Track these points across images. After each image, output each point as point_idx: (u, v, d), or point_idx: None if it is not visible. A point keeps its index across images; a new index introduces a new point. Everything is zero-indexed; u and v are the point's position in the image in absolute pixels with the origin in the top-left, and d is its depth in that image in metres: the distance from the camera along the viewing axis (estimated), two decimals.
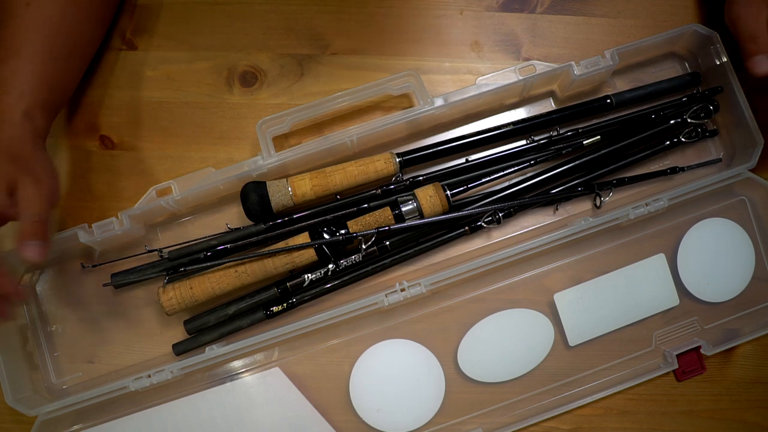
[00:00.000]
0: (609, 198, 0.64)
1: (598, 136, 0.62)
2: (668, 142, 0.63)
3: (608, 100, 0.64)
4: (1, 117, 0.53)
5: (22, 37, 0.55)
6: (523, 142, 0.64)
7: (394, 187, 0.61)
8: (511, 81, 0.60)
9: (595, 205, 0.64)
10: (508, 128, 0.63)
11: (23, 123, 0.53)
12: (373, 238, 0.58)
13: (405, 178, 0.61)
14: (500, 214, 0.61)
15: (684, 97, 0.64)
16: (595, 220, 0.59)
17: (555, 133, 0.63)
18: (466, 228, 0.61)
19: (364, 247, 0.58)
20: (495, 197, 0.61)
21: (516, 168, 0.62)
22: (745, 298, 0.64)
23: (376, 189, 0.60)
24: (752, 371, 0.64)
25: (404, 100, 0.66)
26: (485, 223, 0.61)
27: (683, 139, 0.64)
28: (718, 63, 0.62)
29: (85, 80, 0.65)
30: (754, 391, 0.63)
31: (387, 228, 0.58)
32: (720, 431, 0.63)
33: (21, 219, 0.51)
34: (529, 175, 0.63)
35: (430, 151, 0.62)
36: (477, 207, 0.61)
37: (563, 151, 0.62)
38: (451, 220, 0.60)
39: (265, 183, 0.59)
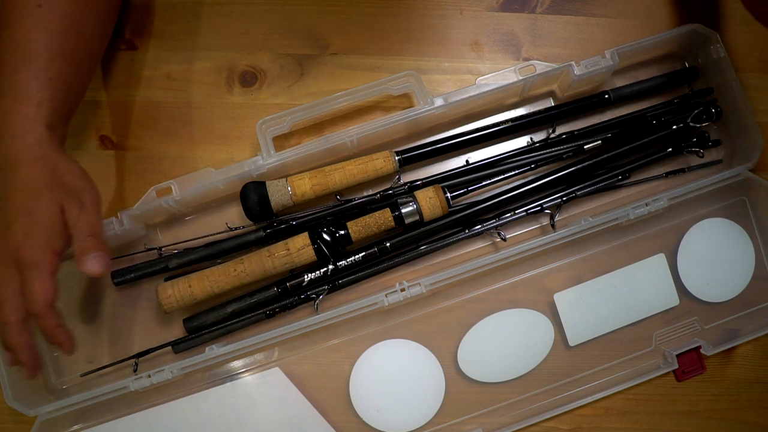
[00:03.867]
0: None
1: (599, 141, 0.62)
2: (670, 149, 0.63)
3: (606, 96, 0.64)
4: (24, 130, 0.49)
5: (35, 40, 0.51)
6: (523, 144, 0.64)
7: (393, 192, 0.61)
8: (511, 81, 0.60)
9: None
10: (506, 125, 0.63)
11: (49, 136, 0.50)
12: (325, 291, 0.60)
13: (404, 182, 0.61)
14: (506, 235, 0.61)
15: (676, 99, 0.64)
16: (595, 220, 0.59)
17: (552, 132, 0.63)
18: (466, 230, 0.61)
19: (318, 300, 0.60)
20: (496, 200, 0.61)
21: (516, 171, 0.62)
22: (745, 298, 0.64)
23: (376, 194, 0.61)
24: (752, 371, 0.64)
25: (404, 100, 0.66)
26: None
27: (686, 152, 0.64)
28: (718, 63, 0.62)
29: None
30: (754, 391, 0.63)
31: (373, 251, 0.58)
32: (720, 431, 0.63)
33: (75, 237, 0.49)
34: (530, 178, 0.62)
35: (430, 148, 0.62)
36: (477, 210, 0.61)
37: (564, 156, 0.62)
38: (450, 224, 0.60)
39: (264, 183, 0.59)
